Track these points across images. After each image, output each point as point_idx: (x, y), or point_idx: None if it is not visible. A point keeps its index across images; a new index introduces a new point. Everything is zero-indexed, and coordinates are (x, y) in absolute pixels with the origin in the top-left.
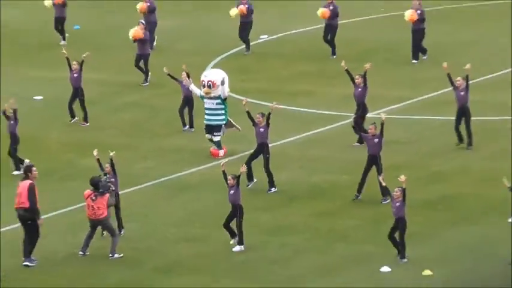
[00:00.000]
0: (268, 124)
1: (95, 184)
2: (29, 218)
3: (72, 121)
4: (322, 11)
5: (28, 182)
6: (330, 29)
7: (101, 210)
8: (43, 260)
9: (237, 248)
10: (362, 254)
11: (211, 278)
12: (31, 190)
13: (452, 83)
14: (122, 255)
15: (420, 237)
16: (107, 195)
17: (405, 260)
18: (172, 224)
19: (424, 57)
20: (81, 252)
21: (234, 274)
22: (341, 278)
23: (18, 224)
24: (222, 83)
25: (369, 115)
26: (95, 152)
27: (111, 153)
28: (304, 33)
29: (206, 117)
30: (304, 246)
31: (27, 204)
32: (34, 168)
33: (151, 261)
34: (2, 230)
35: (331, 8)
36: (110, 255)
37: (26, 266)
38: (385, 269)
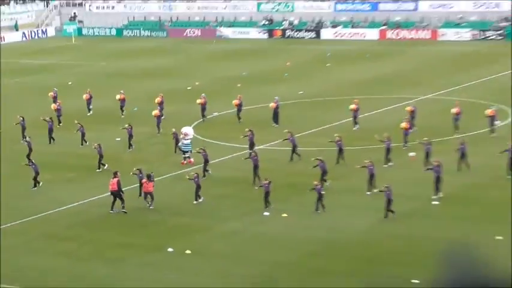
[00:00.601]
0: (206, 153)
1: (148, 176)
2: (117, 194)
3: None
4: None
5: (116, 179)
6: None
7: (151, 188)
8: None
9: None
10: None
11: (218, 219)
12: (119, 183)
13: (287, 139)
14: (153, 207)
15: (284, 199)
16: (153, 182)
17: (271, 206)
18: (188, 191)
19: (276, 125)
20: (147, 205)
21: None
22: (260, 217)
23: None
24: (187, 134)
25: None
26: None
27: (139, 167)
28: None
29: (183, 147)
30: (252, 199)
31: (116, 189)
32: (118, 173)
33: (182, 208)
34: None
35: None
36: (150, 206)
37: (112, 213)
38: (266, 213)
